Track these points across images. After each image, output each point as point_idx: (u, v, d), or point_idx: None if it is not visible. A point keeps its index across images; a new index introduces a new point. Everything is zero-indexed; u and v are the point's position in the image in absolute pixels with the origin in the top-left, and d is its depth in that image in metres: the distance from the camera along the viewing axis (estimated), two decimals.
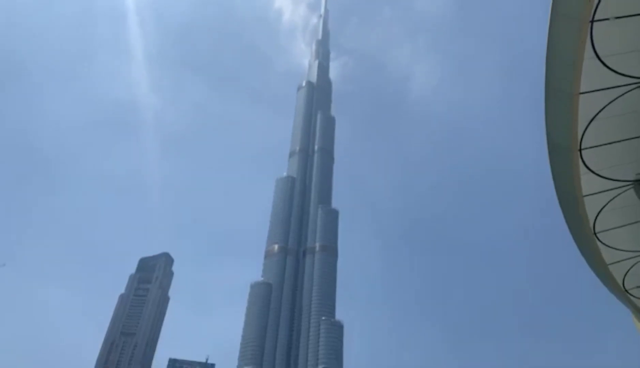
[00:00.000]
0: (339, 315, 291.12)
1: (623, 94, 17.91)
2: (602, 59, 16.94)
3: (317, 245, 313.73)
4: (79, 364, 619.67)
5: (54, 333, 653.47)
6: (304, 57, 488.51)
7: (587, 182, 19.48)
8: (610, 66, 17.21)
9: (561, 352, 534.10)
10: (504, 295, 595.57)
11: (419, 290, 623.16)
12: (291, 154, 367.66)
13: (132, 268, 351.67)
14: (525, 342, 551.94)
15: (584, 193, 20.17)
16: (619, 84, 17.75)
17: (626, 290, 24.74)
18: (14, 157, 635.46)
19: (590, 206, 20.74)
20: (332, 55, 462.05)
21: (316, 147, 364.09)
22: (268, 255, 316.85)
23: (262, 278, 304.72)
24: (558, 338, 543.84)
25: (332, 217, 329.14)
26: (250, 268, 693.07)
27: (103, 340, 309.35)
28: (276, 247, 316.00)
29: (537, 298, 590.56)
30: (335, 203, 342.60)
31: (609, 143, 18.87)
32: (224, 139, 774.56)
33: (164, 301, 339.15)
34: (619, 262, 23.20)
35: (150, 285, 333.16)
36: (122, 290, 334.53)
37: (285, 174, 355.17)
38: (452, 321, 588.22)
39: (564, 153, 18.32)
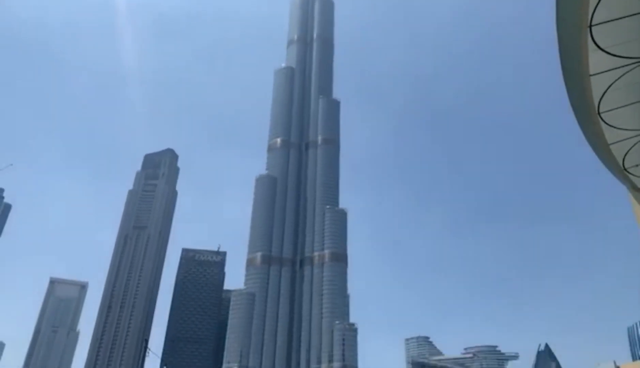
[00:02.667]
0: (343, 203, 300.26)
1: None
2: None
3: (319, 138, 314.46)
4: (98, 255, 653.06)
5: (71, 226, 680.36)
6: None
7: (595, 60, 18.86)
8: None
9: (563, 233, 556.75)
10: (512, 179, 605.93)
11: (424, 176, 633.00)
12: (289, 43, 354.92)
13: (137, 165, 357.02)
14: (531, 225, 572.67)
15: (591, 73, 19.61)
16: None
17: (625, 169, 25.02)
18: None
19: (596, 85, 20.27)
20: None
21: (315, 35, 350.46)
22: (271, 148, 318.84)
23: (267, 172, 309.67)
24: (561, 221, 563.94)
25: (334, 108, 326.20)
26: (254, 160, 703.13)
27: (117, 233, 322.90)
28: (278, 140, 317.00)
29: (543, 182, 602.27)
30: (336, 93, 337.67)
31: (620, 18, 17.97)
32: (217, 22, 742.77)
33: (172, 195, 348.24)
34: (620, 141, 23.20)
35: (157, 181, 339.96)
36: (131, 186, 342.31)
37: (283, 64, 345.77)
38: (457, 206, 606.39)
39: (573, 29, 17.54)
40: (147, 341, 27.34)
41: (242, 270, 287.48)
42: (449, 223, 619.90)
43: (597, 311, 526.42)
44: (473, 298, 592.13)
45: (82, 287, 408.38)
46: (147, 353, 26.35)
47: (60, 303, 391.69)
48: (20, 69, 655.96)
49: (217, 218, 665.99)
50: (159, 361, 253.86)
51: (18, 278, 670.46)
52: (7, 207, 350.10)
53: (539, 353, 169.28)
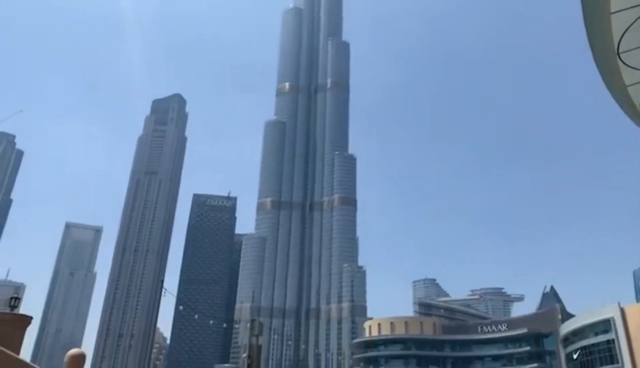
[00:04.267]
0: (353, 147, 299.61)
1: None
2: None
3: (329, 81, 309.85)
4: (111, 200, 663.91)
5: (83, 171, 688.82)
6: None
7: None
8: None
9: (573, 175, 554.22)
10: (526, 119, 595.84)
11: (437, 118, 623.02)
12: None
13: (146, 110, 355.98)
14: (541, 165, 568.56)
15: (612, 10, 18.84)
16: None
17: None
18: None
19: (617, 24, 19.49)
20: None
21: None
22: (279, 93, 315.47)
23: (275, 117, 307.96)
24: (572, 163, 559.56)
25: (343, 50, 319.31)
26: (262, 105, 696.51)
27: (129, 179, 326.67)
28: (287, 85, 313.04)
29: (556, 122, 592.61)
30: (346, 35, 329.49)
31: None
32: None
33: (181, 141, 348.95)
34: (638, 83, 22.60)
35: (166, 126, 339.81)
36: (140, 132, 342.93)
37: (291, 5, 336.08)
38: (468, 149, 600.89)
39: None
40: (162, 281, 28.25)
41: (252, 215, 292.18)
42: (459, 166, 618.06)
43: (604, 255, 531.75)
44: (480, 241, 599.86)
45: (97, 231, 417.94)
46: (163, 293, 27.28)
47: (76, 246, 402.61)
48: (21, 13, 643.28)
49: (227, 163, 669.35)
50: (174, 301, 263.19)
51: (34, 223, 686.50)
52: (20, 154, 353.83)
53: (544, 295, 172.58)
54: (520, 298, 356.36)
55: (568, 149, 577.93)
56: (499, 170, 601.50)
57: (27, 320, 11.34)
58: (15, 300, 12.56)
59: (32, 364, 6.94)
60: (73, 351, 6.74)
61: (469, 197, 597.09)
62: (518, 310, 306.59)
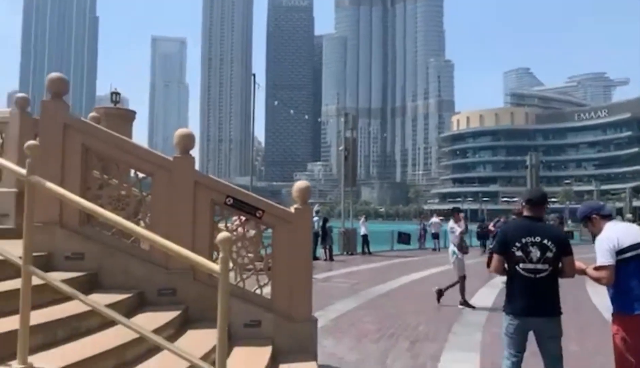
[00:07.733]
0: None
1: None
2: None
3: None
4: (189, 11, 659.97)
5: None
6: None
7: None
8: None
9: None
10: None
11: None
12: None
13: None
14: None
15: None
16: None
17: None
18: None
19: None
20: None
21: None
22: None
23: None
24: None
25: None
26: None
27: None
28: None
29: None
30: None
31: None
32: None
33: None
34: None
35: None
36: None
37: None
38: None
39: None
40: (254, 76, 27.96)
41: (331, 14, 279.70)
42: None
43: None
44: (580, 21, 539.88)
45: (182, 43, 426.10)
46: (256, 87, 27.24)
47: (165, 59, 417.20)
48: None
49: None
50: (264, 110, 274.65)
51: (123, 40, 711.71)
52: None
53: None
54: (624, 82, 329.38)
55: None
56: None
57: (131, 113, 11.20)
58: (116, 96, 12.35)
59: (148, 148, 6.44)
60: (182, 130, 6.14)
61: None
62: (621, 96, 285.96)
